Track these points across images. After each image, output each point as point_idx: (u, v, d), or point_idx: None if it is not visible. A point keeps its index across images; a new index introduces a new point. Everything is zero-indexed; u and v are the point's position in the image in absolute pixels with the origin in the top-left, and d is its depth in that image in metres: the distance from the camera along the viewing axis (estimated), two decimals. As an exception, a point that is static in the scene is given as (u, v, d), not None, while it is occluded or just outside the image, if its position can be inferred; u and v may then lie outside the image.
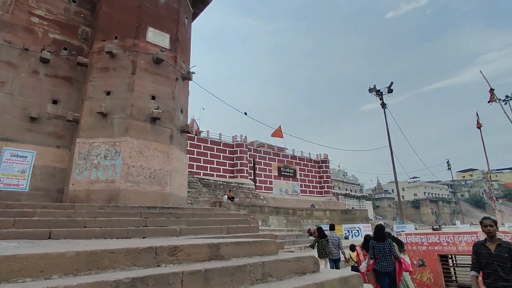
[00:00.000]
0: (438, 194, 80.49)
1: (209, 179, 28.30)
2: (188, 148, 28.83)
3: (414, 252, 7.47)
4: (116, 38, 10.06)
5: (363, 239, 7.19)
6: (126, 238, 6.24)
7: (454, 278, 8.00)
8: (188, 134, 28.85)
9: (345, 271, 4.55)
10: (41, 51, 9.37)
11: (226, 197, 24.79)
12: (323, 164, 41.92)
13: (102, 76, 9.61)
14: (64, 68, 9.95)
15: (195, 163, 29.08)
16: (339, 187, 66.17)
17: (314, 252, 8.07)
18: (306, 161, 40.74)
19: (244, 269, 2.97)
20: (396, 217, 71.24)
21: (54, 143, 9.27)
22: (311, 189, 39.74)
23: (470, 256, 7.13)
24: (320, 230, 8.89)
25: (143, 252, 2.53)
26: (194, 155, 29.29)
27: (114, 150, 8.75)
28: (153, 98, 9.86)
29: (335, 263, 8.50)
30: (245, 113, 13.05)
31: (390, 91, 18.31)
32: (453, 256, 7.52)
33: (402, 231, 19.65)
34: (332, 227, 9.77)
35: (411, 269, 6.30)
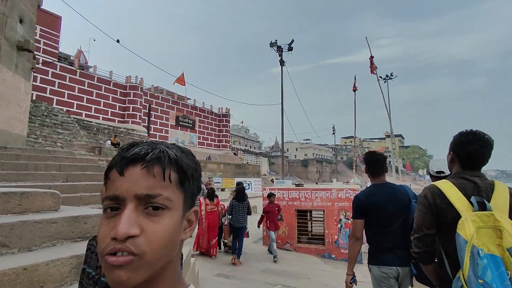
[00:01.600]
0: (324, 156, 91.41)
1: (91, 121, 24.58)
2: (66, 82, 24.11)
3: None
4: None
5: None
6: None
7: (310, 230, 8.45)
8: (61, 64, 23.88)
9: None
10: None
11: (110, 143, 22.06)
12: (224, 118, 41.59)
13: None
14: None
15: (75, 102, 24.71)
16: (240, 143, 68.16)
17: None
18: (207, 113, 39.64)
19: None
20: (287, 174, 78.47)
21: None
22: (209, 142, 39.32)
23: (322, 211, 7.46)
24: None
25: None
26: (75, 91, 24.76)
27: None
28: (-34, -9, 6.89)
29: None
30: (118, 41, 10.78)
31: (290, 49, 18.13)
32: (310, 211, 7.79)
33: (280, 185, 20.98)
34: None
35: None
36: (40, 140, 16.88)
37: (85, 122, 23.75)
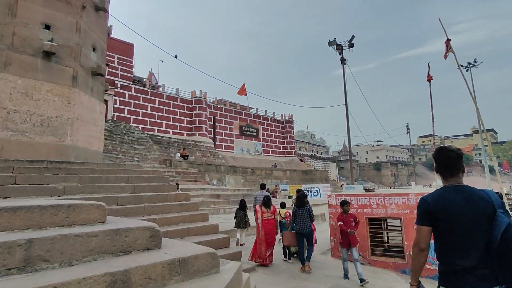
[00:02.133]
0: (399, 158, 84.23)
1: (162, 136, 26.57)
2: (140, 102, 26.58)
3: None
4: None
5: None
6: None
7: (386, 240, 7.45)
8: (135, 86, 26.37)
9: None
10: None
11: (179, 155, 23.46)
12: (287, 125, 41.22)
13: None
14: None
15: (148, 119, 27.06)
16: (305, 149, 66.93)
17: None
18: (270, 121, 39.76)
19: None
20: (358, 178, 74.26)
21: None
22: (273, 149, 39.28)
23: (399, 220, 6.45)
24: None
25: None
26: (147, 110, 27.15)
27: (-11, 90, 6.89)
28: (47, 27, 7.85)
29: None
30: (176, 56, 11.26)
31: (351, 45, 16.99)
32: (385, 219, 6.84)
33: (350, 190, 19.61)
34: (262, 186, 9.10)
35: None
36: (120, 156, 18.70)
37: (157, 137, 25.74)
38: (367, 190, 6.95)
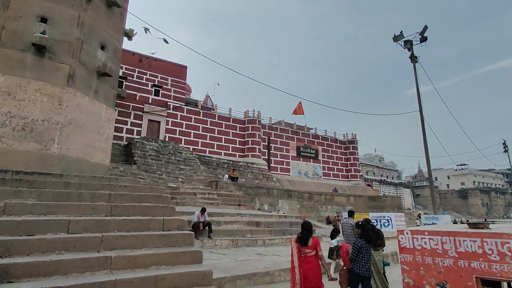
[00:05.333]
0: (491, 184, 71.16)
1: (211, 157, 25.47)
2: (192, 123, 26.09)
3: (426, 268, 3.79)
4: None
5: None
6: None
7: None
8: (187, 107, 26.01)
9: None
10: None
11: (227, 177, 21.85)
12: (351, 145, 37.21)
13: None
14: None
15: (200, 140, 26.37)
16: (374, 173, 60.56)
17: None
18: (330, 141, 36.34)
19: None
20: (439, 207, 64.18)
21: None
22: (335, 172, 35.49)
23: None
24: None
25: None
26: (199, 131, 26.55)
27: (-33, 89, 5.90)
28: (44, 20, 6.85)
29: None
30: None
31: (423, 39, 13.65)
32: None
33: (433, 223, 15.31)
34: (350, 214, 8.00)
35: None
36: (164, 176, 17.74)
37: (206, 158, 24.68)
38: (472, 225, 3.88)
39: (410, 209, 51.89)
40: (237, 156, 28.08)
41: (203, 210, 9.23)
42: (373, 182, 55.41)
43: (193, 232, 5.05)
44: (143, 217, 4.95)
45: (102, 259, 3.73)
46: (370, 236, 4.55)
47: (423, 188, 71.34)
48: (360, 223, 4.98)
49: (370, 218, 23.68)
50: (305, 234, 4.24)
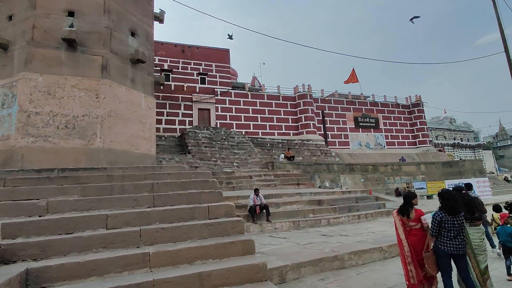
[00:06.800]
0: None
1: (264, 138, 24.88)
2: (241, 106, 25.73)
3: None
4: None
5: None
6: None
7: None
8: (234, 91, 25.55)
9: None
10: None
11: (283, 156, 21.14)
12: (415, 108, 33.55)
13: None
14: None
15: (251, 122, 25.96)
16: (445, 137, 54.60)
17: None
18: (392, 107, 33.16)
19: None
20: (531, 168, 55.92)
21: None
22: (400, 140, 32.47)
23: None
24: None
25: None
26: (249, 113, 26.13)
27: (11, 93, 5.99)
28: (71, 14, 6.67)
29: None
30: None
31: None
32: None
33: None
34: (469, 186, 6.65)
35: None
36: (219, 162, 17.70)
37: (259, 139, 24.19)
38: None
39: (494, 173, 45.75)
40: (291, 134, 27.12)
41: (256, 191, 8.66)
42: (445, 147, 50.00)
43: (242, 219, 4.41)
44: (187, 205, 4.45)
45: (140, 256, 3.29)
46: (451, 205, 3.55)
47: (507, 148, 62.47)
48: (440, 192, 3.89)
49: (446, 186, 21.04)
50: (403, 205, 4.01)
